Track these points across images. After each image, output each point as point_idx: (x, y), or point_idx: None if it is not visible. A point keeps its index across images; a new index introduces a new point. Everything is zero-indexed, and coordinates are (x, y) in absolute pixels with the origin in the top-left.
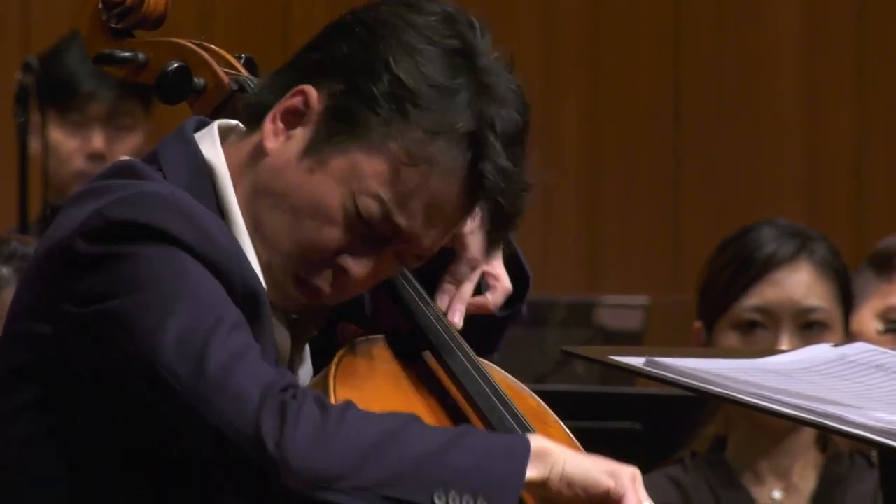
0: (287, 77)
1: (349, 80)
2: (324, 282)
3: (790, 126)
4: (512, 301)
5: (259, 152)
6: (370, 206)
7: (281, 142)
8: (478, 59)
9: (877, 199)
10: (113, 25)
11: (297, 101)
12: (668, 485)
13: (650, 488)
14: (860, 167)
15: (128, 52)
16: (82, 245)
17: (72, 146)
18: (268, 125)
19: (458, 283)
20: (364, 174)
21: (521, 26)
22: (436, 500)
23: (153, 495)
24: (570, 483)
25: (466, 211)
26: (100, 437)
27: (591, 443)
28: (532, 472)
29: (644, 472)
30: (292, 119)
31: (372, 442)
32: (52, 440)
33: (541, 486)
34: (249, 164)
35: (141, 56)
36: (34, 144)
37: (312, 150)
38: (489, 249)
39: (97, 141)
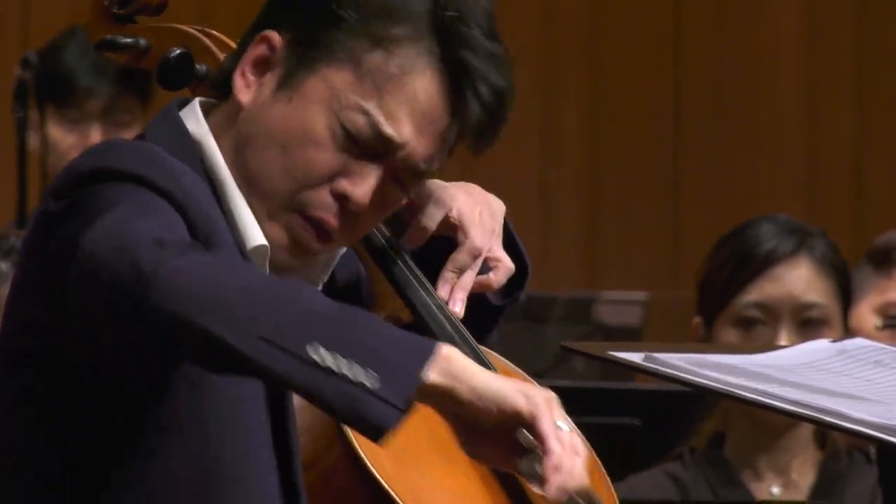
0: (245, 39)
1: (305, 6)
2: (327, 213)
3: (790, 126)
4: (511, 290)
5: (236, 109)
6: (357, 122)
7: (253, 91)
8: None
9: (877, 199)
10: (115, 11)
11: (261, 48)
12: (667, 481)
13: (649, 485)
14: (860, 167)
15: (129, 38)
16: (53, 204)
17: (70, 142)
18: (238, 81)
19: (460, 271)
20: (340, 89)
21: (521, 26)
22: (310, 353)
23: (153, 494)
24: (480, 397)
25: (454, 111)
26: (100, 436)
27: (590, 439)
28: (435, 376)
29: (643, 468)
30: (260, 67)
31: (260, 284)
32: (52, 439)
33: (448, 396)
34: (228, 125)
35: (143, 42)
36: (33, 140)
37: (285, 83)
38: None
39: (95, 137)
